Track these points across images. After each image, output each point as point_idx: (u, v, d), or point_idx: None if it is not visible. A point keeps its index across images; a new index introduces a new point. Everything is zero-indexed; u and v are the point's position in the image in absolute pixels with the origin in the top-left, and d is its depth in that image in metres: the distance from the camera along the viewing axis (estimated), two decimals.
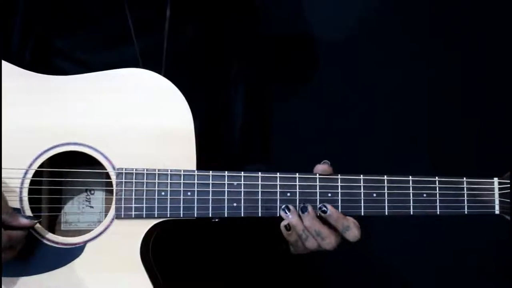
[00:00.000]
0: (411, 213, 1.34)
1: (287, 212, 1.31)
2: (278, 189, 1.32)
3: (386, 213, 1.33)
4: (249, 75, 1.59)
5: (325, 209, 1.31)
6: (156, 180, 1.31)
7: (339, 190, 1.33)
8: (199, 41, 1.53)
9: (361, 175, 1.33)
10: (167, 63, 1.46)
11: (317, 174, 1.33)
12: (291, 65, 1.93)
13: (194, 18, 1.52)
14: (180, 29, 1.49)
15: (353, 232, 1.31)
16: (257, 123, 1.60)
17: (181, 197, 1.31)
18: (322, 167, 1.33)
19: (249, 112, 1.58)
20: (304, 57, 1.92)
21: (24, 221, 1.26)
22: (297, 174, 1.33)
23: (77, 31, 1.45)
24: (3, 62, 1.33)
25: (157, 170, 1.32)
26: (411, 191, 1.33)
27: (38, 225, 1.31)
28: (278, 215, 1.32)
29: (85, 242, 1.31)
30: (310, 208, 1.31)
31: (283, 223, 1.31)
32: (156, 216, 1.31)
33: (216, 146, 1.51)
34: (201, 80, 1.52)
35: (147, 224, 1.31)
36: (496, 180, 1.35)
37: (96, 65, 1.37)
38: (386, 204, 1.33)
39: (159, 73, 1.35)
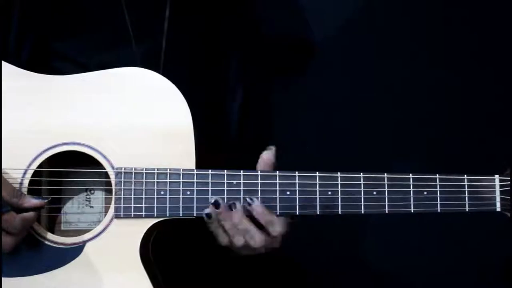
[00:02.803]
0: (412, 211, 1.33)
1: (218, 208, 1.29)
2: (277, 188, 1.32)
3: (387, 211, 1.33)
4: (248, 75, 1.59)
5: (250, 201, 1.30)
6: (155, 180, 1.31)
7: (339, 188, 1.32)
8: (198, 42, 1.52)
9: (361, 173, 1.33)
10: (165, 63, 1.45)
11: (317, 172, 1.33)
12: (290, 65, 1.92)
13: (193, 19, 1.52)
14: (179, 30, 1.49)
15: (277, 228, 1.30)
16: (256, 122, 1.60)
17: (181, 196, 1.31)
18: (266, 156, 1.33)
19: (248, 112, 1.57)
20: (303, 56, 1.92)
21: (34, 202, 1.27)
22: (296, 172, 1.32)
23: (75, 32, 1.45)
24: (2, 62, 1.33)
25: (156, 169, 1.31)
26: (411, 189, 1.33)
27: (37, 225, 1.31)
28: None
29: (84, 242, 1.31)
30: (238, 205, 1.30)
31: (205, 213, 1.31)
32: (155, 215, 1.31)
33: (215, 145, 1.50)
34: (200, 80, 1.51)
35: (147, 223, 1.31)
36: (497, 177, 1.34)
37: (94, 67, 1.37)
38: (386, 202, 1.32)
39: (158, 73, 1.35)
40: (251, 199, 1.30)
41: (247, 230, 1.30)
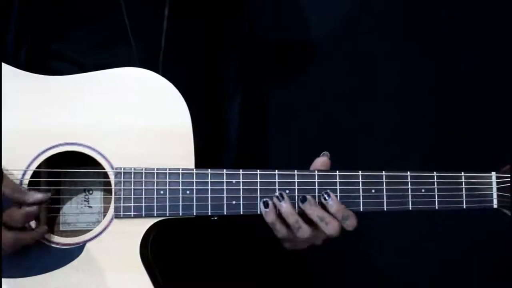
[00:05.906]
0: (410, 208, 1.34)
1: (281, 200, 1.30)
2: (276, 186, 1.32)
3: (385, 209, 1.34)
4: (248, 74, 1.59)
5: (326, 197, 1.31)
6: (155, 179, 1.31)
7: (338, 187, 1.33)
8: (197, 41, 1.53)
9: (360, 171, 1.34)
10: (164, 63, 1.46)
11: (316, 171, 1.33)
12: (289, 65, 1.93)
13: (193, 19, 1.52)
14: (178, 29, 1.49)
15: (351, 221, 1.32)
16: (255, 121, 1.61)
17: (180, 195, 1.31)
18: (321, 160, 1.34)
19: (247, 111, 1.58)
20: (301, 57, 1.92)
21: (38, 196, 1.26)
22: (295, 171, 1.33)
23: (73, 33, 1.45)
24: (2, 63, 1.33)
25: (155, 169, 1.32)
26: (409, 186, 1.34)
27: (37, 226, 1.31)
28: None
29: (85, 242, 1.31)
30: (309, 196, 1.31)
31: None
32: (155, 215, 1.31)
33: (214, 145, 1.51)
34: (199, 79, 1.52)
35: (147, 223, 1.31)
36: (493, 174, 1.35)
37: (93, 67, 1.36)
38: (384, 200, 1.33)
39: (157, 73, 1.35)
40: (327, 193, 1.31)
41: (322, 218, 1.31)
